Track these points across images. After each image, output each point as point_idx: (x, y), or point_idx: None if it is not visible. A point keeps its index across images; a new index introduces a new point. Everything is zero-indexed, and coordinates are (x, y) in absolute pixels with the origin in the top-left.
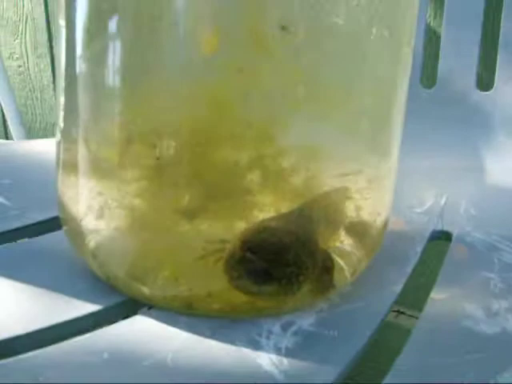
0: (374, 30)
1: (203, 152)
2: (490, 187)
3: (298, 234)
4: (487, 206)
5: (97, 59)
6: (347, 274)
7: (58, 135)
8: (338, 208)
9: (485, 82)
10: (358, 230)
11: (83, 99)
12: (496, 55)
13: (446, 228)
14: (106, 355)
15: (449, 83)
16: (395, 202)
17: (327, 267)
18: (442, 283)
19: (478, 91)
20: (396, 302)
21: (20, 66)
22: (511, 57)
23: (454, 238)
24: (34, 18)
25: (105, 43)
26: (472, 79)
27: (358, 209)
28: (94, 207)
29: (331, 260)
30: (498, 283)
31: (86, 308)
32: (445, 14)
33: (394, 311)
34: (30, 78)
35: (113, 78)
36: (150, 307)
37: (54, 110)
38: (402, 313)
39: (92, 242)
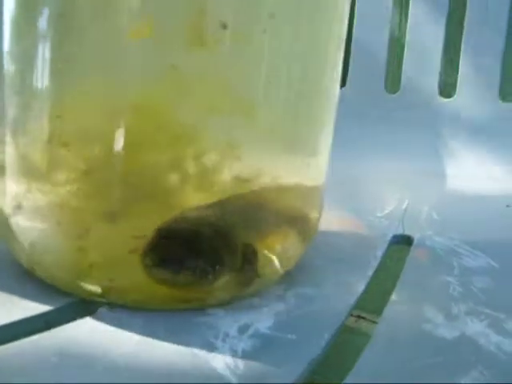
0: (303, 32)
1: (126, 154)
2: (451, 192)
3: (217, 224)
4: (449, 211)
5: (24, 56)
6: (277, 264)
7: None
8: (269, 205)
9: (447, 89)
10: (290, 225)
11: (9, 97)
12: (458, 63)
13: (407, 232)
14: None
15: (412, 90)
16: (356, 206)
17: (249, 258)
18: (402, 287)
19: (441, 98)
20: (356, 307)
21: None
22: (473, 65)
23: (414, 242)
24: None
25: (33, 39)
26: (435, 86)
27: (288, 206)
28: (22, 206)
29: (254, 252)
30: (457, 287)
31: (36, 309)
32: (409, 21)
33: (355, 316)
34: None
35: (40, 76)
36: (102, 308)
37: None
38: (363, 318)
39: (24, 242)
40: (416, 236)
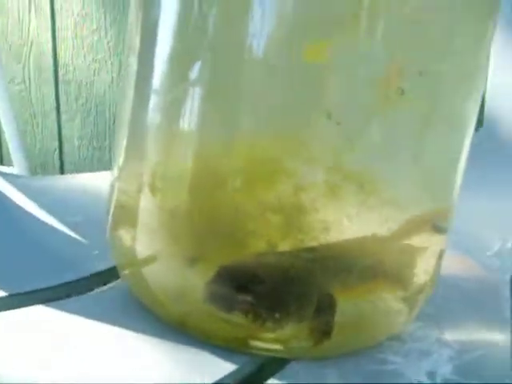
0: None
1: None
2: None
3: (289, 271)
4: None
5: (174, 107)
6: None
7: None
8: (379, 258)
9: None
10: (405, 279)
11: (148, 146)
12: None
13: None
14: None
15: (495, 125)
16: (463, 244)
17: (321, 311)
18: None
19: None
20: None
21: (21, 91)
22: None
23: None
24: (39, 43)
25: (184, 91)
26: None
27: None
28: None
29: (330, 304)
30: None
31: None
32: (492, 58)
33: None
34: (31, 103)
35: (187, 127)
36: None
37: (55, 136)
38: None
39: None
40: None
